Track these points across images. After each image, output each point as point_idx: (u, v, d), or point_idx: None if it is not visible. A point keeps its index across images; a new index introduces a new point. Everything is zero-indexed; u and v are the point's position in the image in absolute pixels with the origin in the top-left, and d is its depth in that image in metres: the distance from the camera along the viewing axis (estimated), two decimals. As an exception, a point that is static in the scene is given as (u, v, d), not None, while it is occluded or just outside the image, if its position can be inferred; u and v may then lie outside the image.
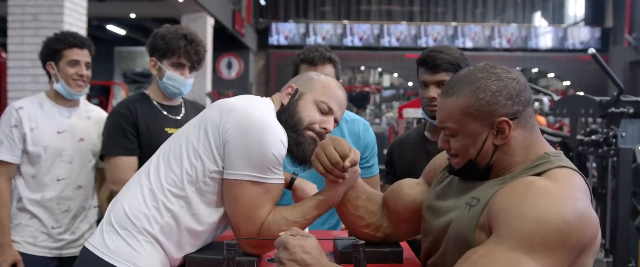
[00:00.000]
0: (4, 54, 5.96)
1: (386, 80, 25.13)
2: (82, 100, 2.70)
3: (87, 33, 5.99)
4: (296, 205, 1.63)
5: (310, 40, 21.25)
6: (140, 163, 2.33)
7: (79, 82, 2.55)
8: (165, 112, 2.48)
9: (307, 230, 1.75)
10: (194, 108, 2.60)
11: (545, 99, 13.14)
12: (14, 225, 2.52)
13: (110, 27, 15.78)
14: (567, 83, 23.41)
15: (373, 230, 1.67)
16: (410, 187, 1.67)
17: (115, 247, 1.55)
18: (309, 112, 1.66)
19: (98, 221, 2.66)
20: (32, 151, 2.49)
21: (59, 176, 2.54)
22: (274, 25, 21.96)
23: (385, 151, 2.72)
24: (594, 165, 3.88)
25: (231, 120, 1.54)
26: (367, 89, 21.94)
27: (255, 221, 1.55)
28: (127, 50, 19.90)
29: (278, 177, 1.57)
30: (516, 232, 1.16)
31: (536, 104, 13.60)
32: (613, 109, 3.45)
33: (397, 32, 22.34)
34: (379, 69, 24.14)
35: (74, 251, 2.56)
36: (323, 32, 21.95)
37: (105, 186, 2.68)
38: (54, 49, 2.54)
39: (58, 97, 2.59)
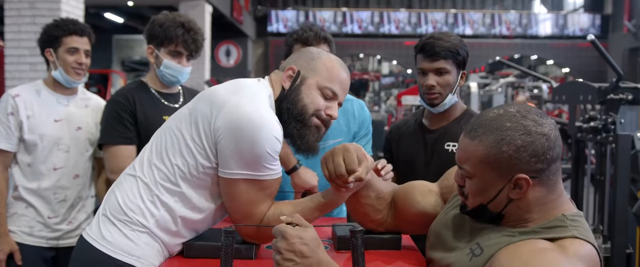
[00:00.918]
0: (1, 42, 5.93)
1: (385, 68, 25.08)
2: (80, 88, 2.67)
3: (84, 21, 5.95)
4: (297, 203, 1.61)
5: (309, 27, 21.17)
6: (139, 152, 2.31)
7: (78, 70, 2.52)
8: (163, 100, 2.47)
9: None
10: (192, 95, 2.58)
11: (544, 86, 13.12)
12: (10, 214, 2.51)
13: (108, 15, 15.70)
14: (566, 70, 23.38)
15: (376, 225, 1.66)
16: (423, 195, 1.62)
17: (112, 238, 1.55)
18: (312, 99, 1.58)
19: (95, 211, 2.66)
20: (29, 139, 2.47)
21: (55, 165, 2.52)
22: (272, 13, 21.87)
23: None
24: (593, 152, 3.88)
25: (222, 117, 1.47)
26: (366, 76, 21.91)
27: (253, 218, 1.54)
28: (125, 38, 19.81)
29: (274, 173, 1.53)
30: None
31: (534, 91, 13.60)
32: (612, 95, 3.45)
33: (397, 20, 22.27)
34: (378, 57, 24.08)
35: (71, 241, 2.54)
36: (322, 19, 21.87)
37: (103, 175, 2.67)
38: (54, 36, 2.51)
39: (56, 85, 2.56)
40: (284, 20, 21.85)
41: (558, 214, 1.27)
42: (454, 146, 2.21)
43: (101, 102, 2.68)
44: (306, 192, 2.15)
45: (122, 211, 1.56)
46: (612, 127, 3.42)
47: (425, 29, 21.79)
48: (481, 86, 13.69)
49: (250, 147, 1.46)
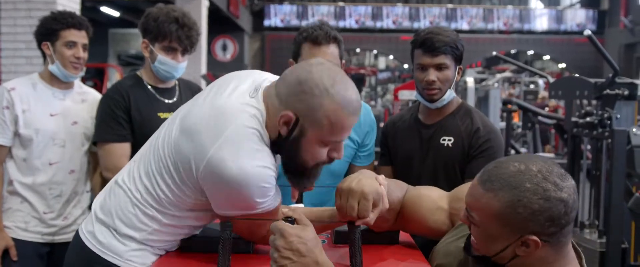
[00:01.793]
0: (-4, 36, 5.91)
1: (381, 63, 25.07)
2: (77, 82, 2.63)
3: (80, 14, 5.93)
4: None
5: (306, 22, 21.16)
6: (134, 149, 2.30)
7: (75, 64, 2.49)
8: (158, 96, 2.45)
9: (302, 205, 1.75)
10: (189, 89, 2.58)
11: (541, 81, 13.15)
12: (5, 209, 2.48)
13: (104, 9, 15.62)
14: (562, 65, 23.41)
15: (379, 222, 1.66)
16: (431, 213, 1.59)
17: (104, 240, 1.54)
18: (313, 154, 1.42)
19: (91, 207, 2.65)
20: (24, 134, 2.44)
21: (51, 160, 2.49)
22: (269, 7, 21.82)
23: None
24: (589, 147, 3.89)
25: (205, 174, 1.38)
26: (362, 71, 21.90)
27: (258, 238, 1.52)
28: (121, 32, 19.73)
29: (269, 205, 1.45)
30: None
31: (531, 86, 13.62)
32: (608, 91, 3.46)
33: (394, 14, 22.25)
34: (375, 51, 24.06)
35: (66, 236, 2.52)
36: (319, 14, 21.83)
37: (98, 170, 2.65)
38: (51, 29, 2.47)
39: (52, 79, 2.52)
40: (280, 14, 21.80)
41: None
42: (449, 140, 2.22)
43: (98, 96, 2.64)
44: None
45: (113, 221, 1.55)
46: (608, 122, 3.43)
47: (424, 23, 21.78)
48: (478, 81, 13.69)
49: (238, 199, 1.40)
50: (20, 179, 2.48)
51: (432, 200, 1.61)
